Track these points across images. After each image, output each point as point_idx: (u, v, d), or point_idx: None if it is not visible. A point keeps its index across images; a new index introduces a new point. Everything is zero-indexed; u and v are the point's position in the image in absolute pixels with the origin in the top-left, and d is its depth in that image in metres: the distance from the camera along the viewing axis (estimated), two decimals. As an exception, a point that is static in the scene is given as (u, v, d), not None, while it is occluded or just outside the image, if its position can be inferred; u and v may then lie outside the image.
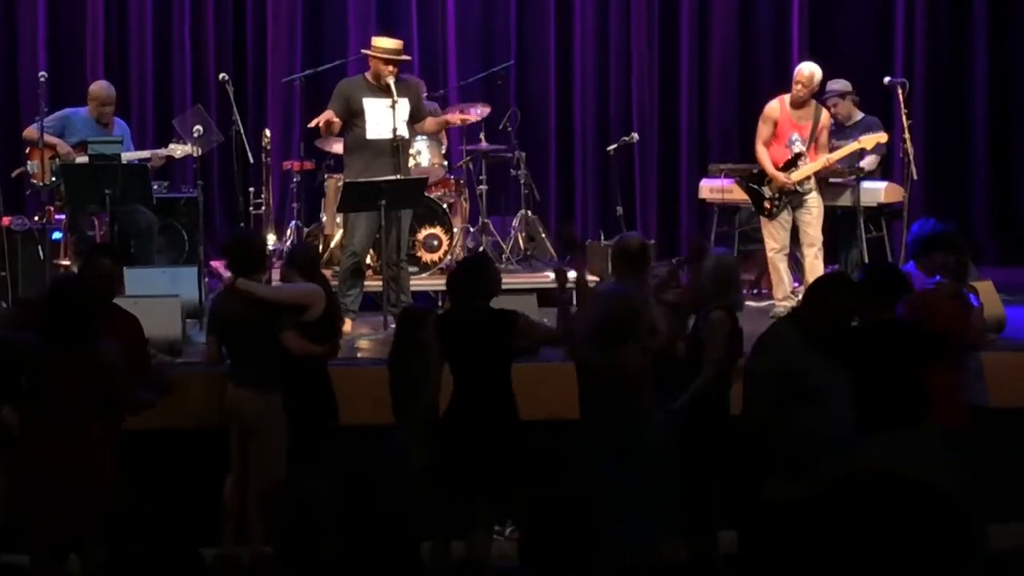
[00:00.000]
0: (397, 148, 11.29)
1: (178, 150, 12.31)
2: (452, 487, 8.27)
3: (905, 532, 6.63)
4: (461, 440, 8.14)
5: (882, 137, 12.15)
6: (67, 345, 7.78)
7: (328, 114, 11.22)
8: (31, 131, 12.15)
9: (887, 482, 6.62)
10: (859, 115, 12.61)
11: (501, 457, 8.08)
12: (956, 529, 6.66)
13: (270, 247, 11.97)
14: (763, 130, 11.95)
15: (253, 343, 8.81)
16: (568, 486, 7.92)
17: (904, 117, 12.16)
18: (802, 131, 11.82)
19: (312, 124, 11.40)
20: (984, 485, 8.01)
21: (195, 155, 12.28)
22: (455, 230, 12.85)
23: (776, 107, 11.92)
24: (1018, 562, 7.36)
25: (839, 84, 12.60)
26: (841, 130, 12.32)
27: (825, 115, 11.97)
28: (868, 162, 12.35)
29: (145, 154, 12.36)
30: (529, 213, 13.39)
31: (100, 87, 12.45)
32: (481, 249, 12.56)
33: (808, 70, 11.82)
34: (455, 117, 12.36)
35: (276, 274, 10.98)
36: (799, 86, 11.78)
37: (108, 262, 8.72)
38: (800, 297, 11.37)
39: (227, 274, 9.29)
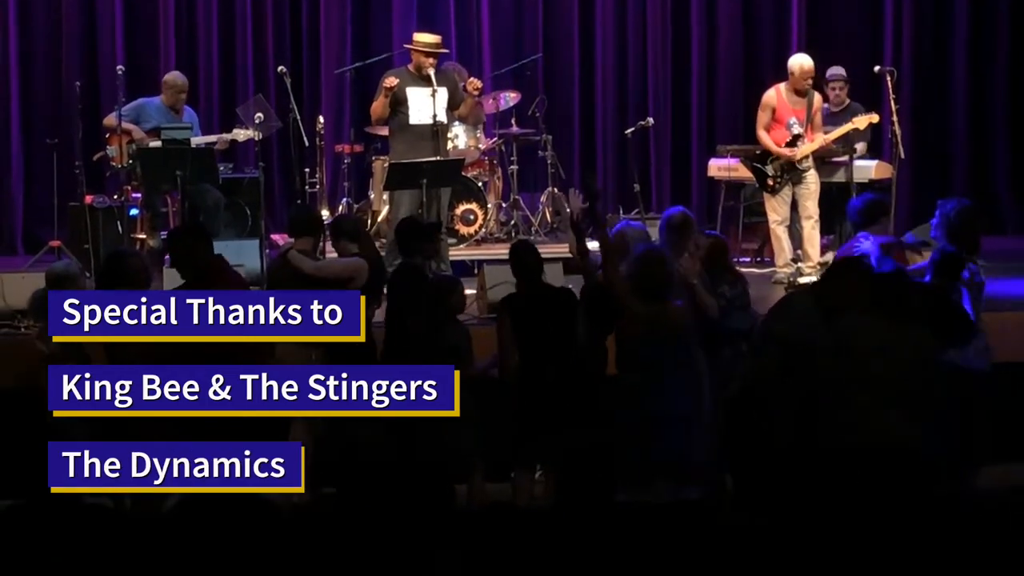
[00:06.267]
0: (437, 132, 11.41)
1: (241, 134, 12.39)
2: (523, 428, 8.29)
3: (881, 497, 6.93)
4: (535, 389, 8.21)
5: (873, 117, 12.09)
6: None
7: (389, 80, 11.32)
8: (110, 119, 12.23)
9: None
10: (847, 101, 12.61)
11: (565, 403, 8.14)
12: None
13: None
14: (762, 117, 11.98)
15: None
16: (596, 430, 8.00)
17: (892, 102, 12.14)
18: (798, 114, 11.86)
19: (387, 85, 11.29)
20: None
21: (256, 139, 12.31)
22: (489, 205, 12.88)
23: (773, 95, 11.97)
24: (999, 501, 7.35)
25: (842, 71, 12.64)
26: (831, 116, 12.33)
27: (818, 98, 12.02)
28: (859, 148, 12.37)
29: (212, 138, 12.44)
30: (555, 190, 13.39)
31: (175, 77, 12.52)
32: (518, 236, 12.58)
33: (808, 64, 11.88)
34: (472, 85, 11.82)
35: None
36: (807, 81, 11.85)
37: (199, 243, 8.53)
38: (801, 263, 11.83)
39: (285, 242, 9.30)
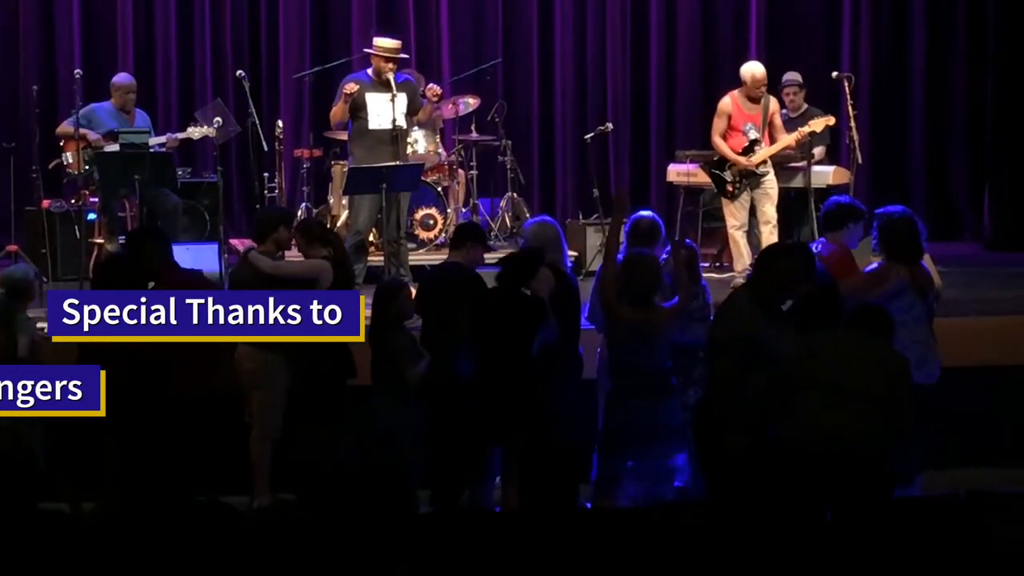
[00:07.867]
0: (396, 137, 11.40)
1: (196, 132, 12.24)
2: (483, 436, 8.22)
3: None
4: (495, 397, 8.13)
5: (830, 120, 12.13)
6: None
7: (349, 87, 11.29)
8: (65, 127, 12.17)
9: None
10: (804, 106, 12.66)
11: (525, 411, 8.08)
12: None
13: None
14: (718, 124, 11.91)
15: None
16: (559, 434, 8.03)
17: (850, 107, 12.21)
18: (754, 120, 11.81)
19: (347, 92, 11.27)
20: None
21: (212, 137, 12.25)
22: (449, 210, 12.86)
23: (728, 103, 11.91)
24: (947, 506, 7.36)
25: (797, 76, 12.65)
26: (790, 121, 12.29)
27: (773, 102, 11.99)
28: (817, 152, 12.39)
29: (161, 139, 12.27)
30: (515, 195, 13.40)
31: (123, 78, 12.43)
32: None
33: (760, 72, 11.84)
34: (431, 92, 11.86)
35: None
36: (762, 88, 11.80)
37: (151, 244, 8.66)
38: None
39: (244, 246, 9.29)
